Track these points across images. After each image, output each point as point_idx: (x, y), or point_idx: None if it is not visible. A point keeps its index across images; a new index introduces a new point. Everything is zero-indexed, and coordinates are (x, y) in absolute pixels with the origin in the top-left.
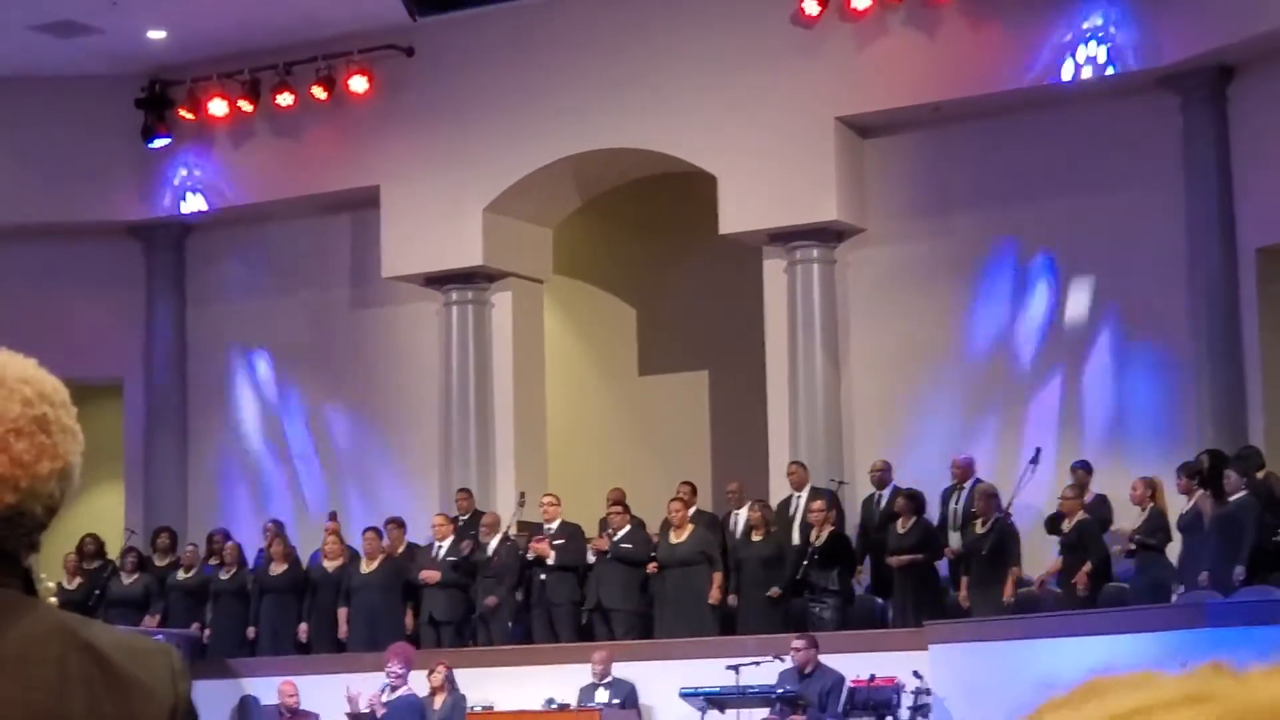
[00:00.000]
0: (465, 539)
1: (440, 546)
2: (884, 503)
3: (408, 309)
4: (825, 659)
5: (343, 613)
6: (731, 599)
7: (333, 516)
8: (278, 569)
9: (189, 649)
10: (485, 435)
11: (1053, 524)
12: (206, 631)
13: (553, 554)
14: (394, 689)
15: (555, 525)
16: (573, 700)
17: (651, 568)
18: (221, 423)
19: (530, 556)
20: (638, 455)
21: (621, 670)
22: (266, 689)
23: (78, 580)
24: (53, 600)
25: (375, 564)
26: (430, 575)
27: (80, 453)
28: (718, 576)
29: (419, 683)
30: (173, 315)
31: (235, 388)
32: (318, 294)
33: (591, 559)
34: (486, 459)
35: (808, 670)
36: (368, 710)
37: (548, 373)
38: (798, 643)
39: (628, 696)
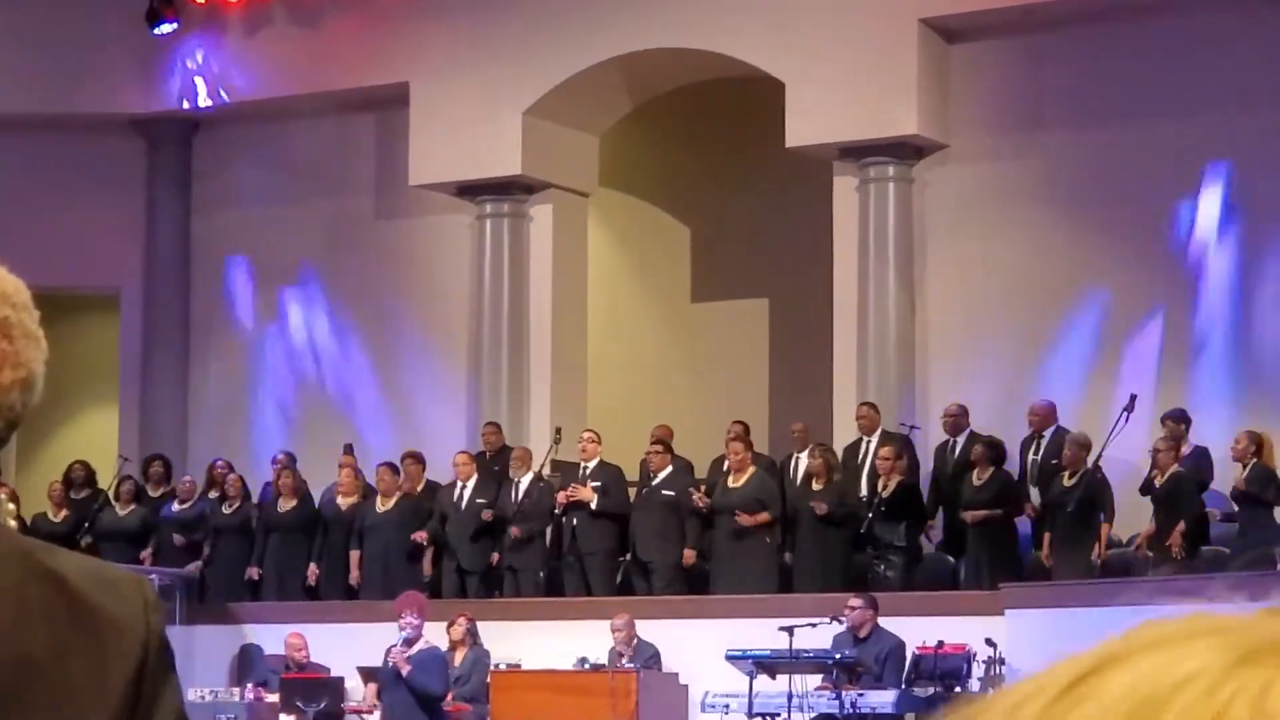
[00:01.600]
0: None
1: (464, 487)
2: (958, 451)
3: (437, 221)
4: (889, 622)
5: (354, 556)
6: (788, 556)
7: (348, 449)
8: (286, 505)
9: (185, 589)
10: (519, 364)
11: (1149, 488)
12: (196, 564)
13: (594, 498)
14: (411, 642)
15: (593, 465)
16: (605, 659)
17: (699, 500)
18: (227, 342)
19: (560, 508)
20: (687, 390)
21: (661, 630)
22: (270, 637)
23: (64, 512)
24: (13, 524)
25: (391, 503)
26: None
27: (44, 360)
28: (763, 516)
29: (435, 635)
30: (176, 220)
31: (243, 303)
32: (337, 202)
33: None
34: (520, 390)
35: (863, 633)
36: (391, 665)
37: (590, 296)
38: (854, 602)
39: (648, 662)
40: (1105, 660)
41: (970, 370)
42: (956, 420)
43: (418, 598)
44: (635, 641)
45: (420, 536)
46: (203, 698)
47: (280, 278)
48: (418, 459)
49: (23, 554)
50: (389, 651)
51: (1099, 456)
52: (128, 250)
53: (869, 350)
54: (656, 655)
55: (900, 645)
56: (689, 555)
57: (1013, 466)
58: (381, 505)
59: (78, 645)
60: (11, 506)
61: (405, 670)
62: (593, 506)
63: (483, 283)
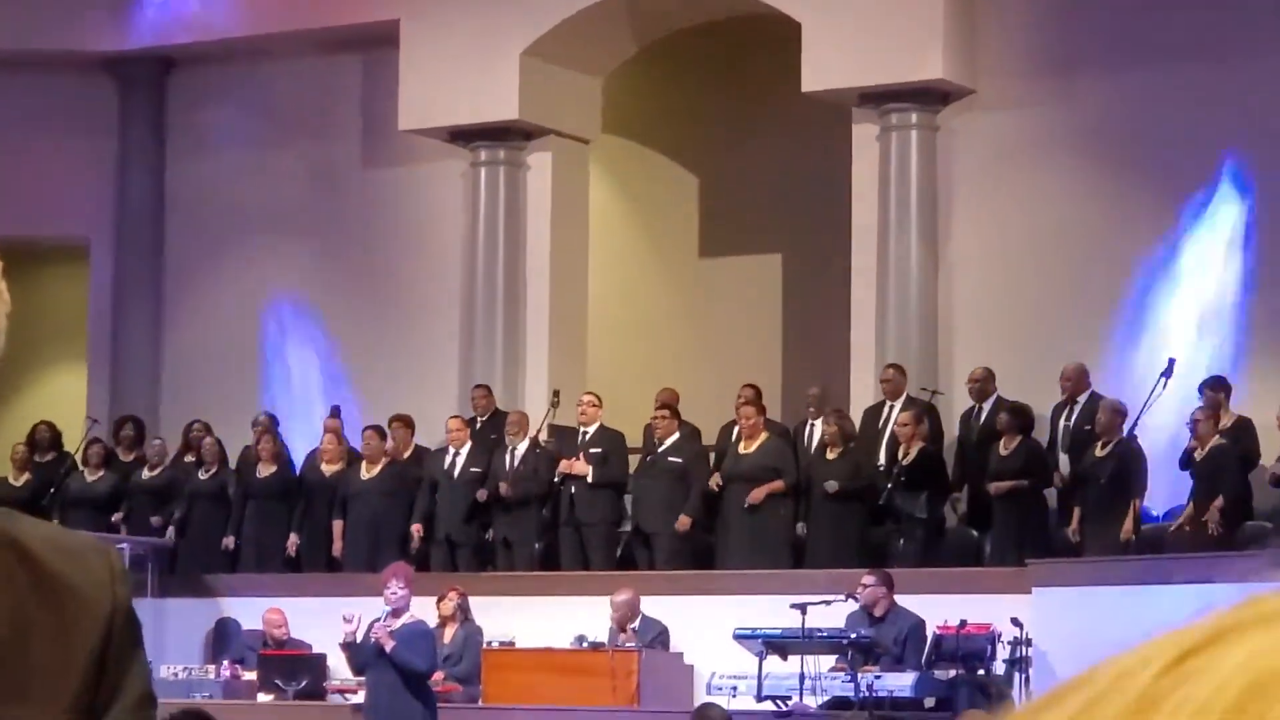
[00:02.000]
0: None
1: (456, 454)
2: (984, 417)
3: (428, 169)
4: (909, 599)
5: (337, 526)
6: (800, 527)
7: (334, 412)
8: (265, 471)
9: (158, 560)
10: (515, 322)
11: (1188, 462)
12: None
13: (590, 472)
14: (398, 613)
15: (593, 430)
16: (605, 638)
17: (715, 484)
18: (204, 296)
19: (558, 477)
20: (694, 352)
21: (665, 606)
22: (247, 611)
23: (26, 476)
24: None
25: (377, 469)
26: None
27: (6, 314)
28: (776, 484)
29: (424, 610)
30: (150, 166)
31: (221, 256)
32: (322, 148)
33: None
34: (516, 350)
35: (879, 612)
36: (374, 640)
37: (591, 250)
38: (867, 579)
39: (656, 639)
40: (1216, 634)
41: (997, 332)
42: (982, 385)
43: (405, 569)
44: (638, 620)
45: (416, 530)
46: (175, 675)
47: (260, 228)
48: (406, 423)
49: None
50: (372, 626)
51: (1134, 425)
52: (98, 197)
53: (889, 310)
54: (663, 634)
55: (919, 624)
56: (684, 522)
57: (1043, 434)
58: (366, 472)
59: (39, 618)
60: None
61: (389, 645)
62: (589, 480)
63: (476, 235)
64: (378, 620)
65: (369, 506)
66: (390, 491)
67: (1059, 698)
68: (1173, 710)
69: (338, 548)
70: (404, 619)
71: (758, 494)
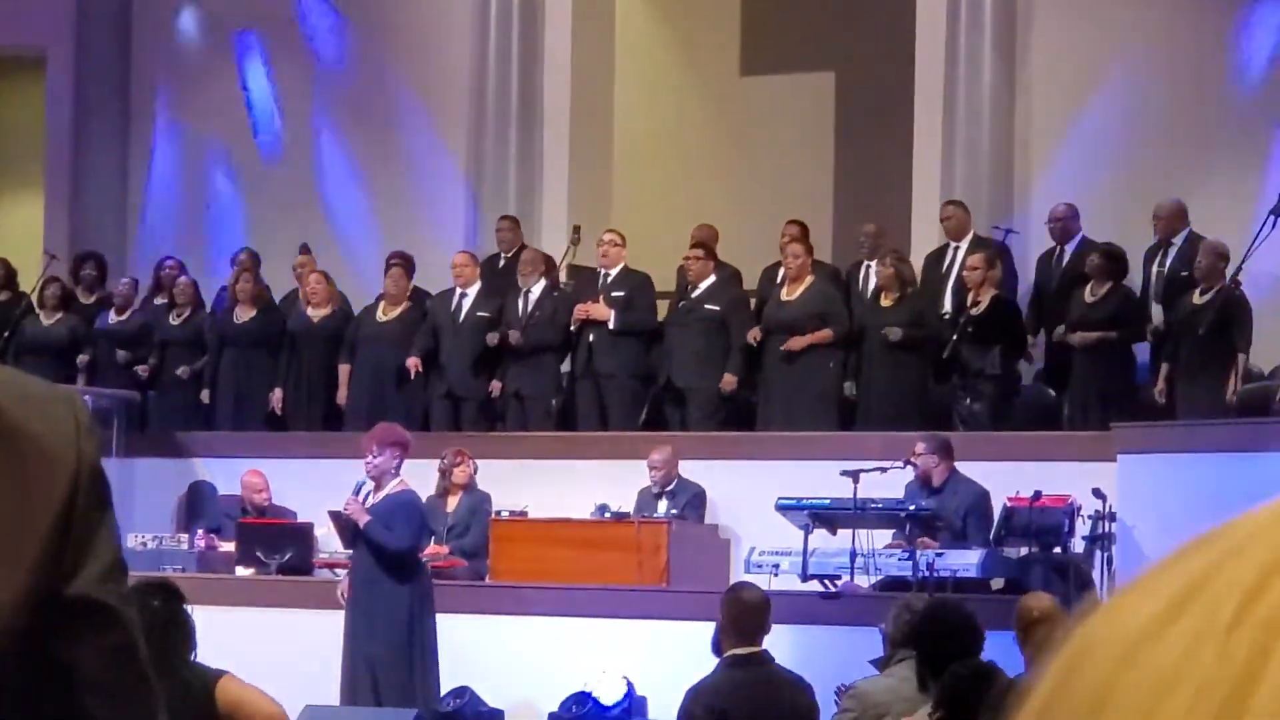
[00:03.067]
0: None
1: (463, 295)
2: (1066, 260)
3: None
4: (975, 467)
5: (344, 370)
6: (848, 386)
7: (304, 249)
8: (244, 315)
9: (126, 415)
10: (530, 148)
11: None
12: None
13: (612, 316)
14: (378, 486)
15: (616, 272)
16: (630, 506)
17: (753, 337)
18: (177, 115)
19: (575, 324)
20: (734, 184)
21: (699, 472)
22: (224, 473)
23: None
24: None
25: (398, 311)
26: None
27: None
28: (824, 333)
29: (424, 476)
30: None
31: (197, 68)
32: None
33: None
34: (531, 180)
35: (936, 482)
36: (346, 514)
37: (618, 67)
38: (920, 447)
39: (690, 503)
40: None
41: (1081, 163)
42: (1065, 224)
43: (392, 432)
44: (675, 483)
45: (413, 363)
46: (144, 544)
47: (243, 38)
48: (407, 262)
49: None
50: (348, 504)
51: (1239, 270)
52: (54, 1)
53: (956, 137)
54: (701, 495)
55: (983, 496)
56: (729, 380)
57: (1132, 283)
58: (385, 313)
59: None
60: None
61: (362, 520)
62: (610, 326)
63: (487, 46)
64: (354, 496)
65: (380, 354)
66: (407, 339)
67: (1189, 553)
68: None
69: (342, 395)
70: (390, 487)
71: (798, 341)
